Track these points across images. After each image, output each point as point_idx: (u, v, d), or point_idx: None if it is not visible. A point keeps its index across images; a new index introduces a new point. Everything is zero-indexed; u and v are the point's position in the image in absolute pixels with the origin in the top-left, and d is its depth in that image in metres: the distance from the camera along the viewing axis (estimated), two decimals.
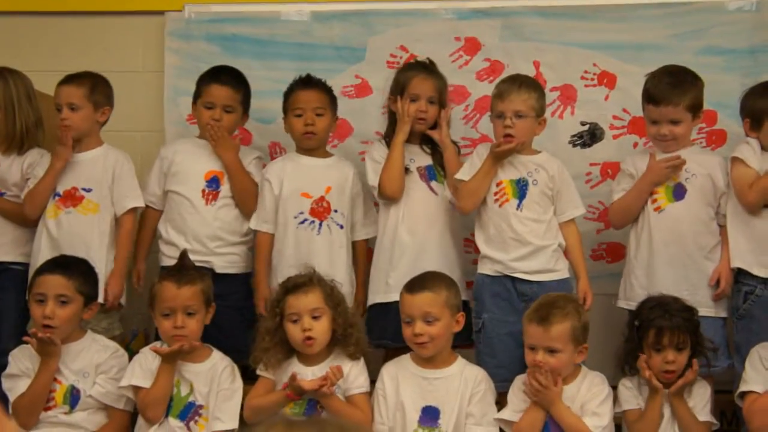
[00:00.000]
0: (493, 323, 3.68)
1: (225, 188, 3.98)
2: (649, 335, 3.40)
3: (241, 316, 3.88)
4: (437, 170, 3.90)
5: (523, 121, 3.70)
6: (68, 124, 3.91)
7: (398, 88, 3.88)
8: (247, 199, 3.97)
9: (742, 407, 3.42)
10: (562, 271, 3.71)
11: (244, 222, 3.99)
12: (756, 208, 3.65)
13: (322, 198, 3.90)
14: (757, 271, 3.65)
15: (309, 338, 3.39)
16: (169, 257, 3.90)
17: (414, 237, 3.82)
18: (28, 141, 4.00)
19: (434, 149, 3.92)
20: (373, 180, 3.85)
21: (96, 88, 3.96)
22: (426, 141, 3.93)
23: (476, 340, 3.74)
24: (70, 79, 3.96)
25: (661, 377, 3.37)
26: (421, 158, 3.91)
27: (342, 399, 3.40)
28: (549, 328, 3.30)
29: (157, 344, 3.51)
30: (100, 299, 3.75)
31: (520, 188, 3.73)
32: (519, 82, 3.75)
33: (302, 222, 3.89)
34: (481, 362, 3.64)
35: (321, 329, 3.41)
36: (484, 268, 3.75)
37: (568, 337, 3.31)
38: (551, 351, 3.31)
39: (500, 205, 3.73)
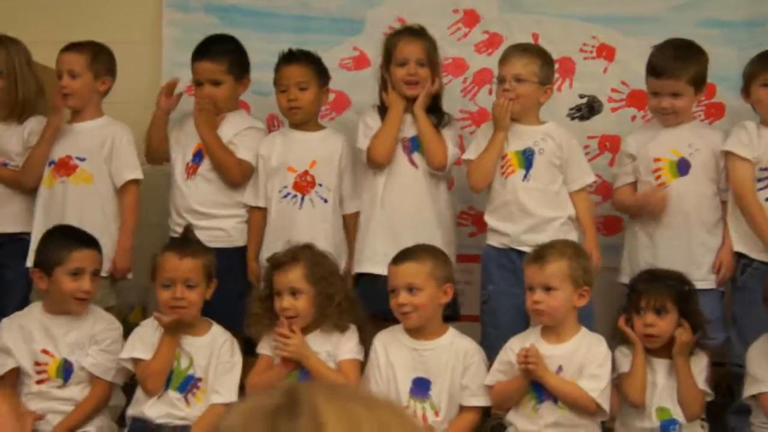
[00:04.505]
0: (499, 295, 3.71)
1: (206, 162, 3.98)
2: (632, 299, 3.45)
3: (230, 286, 3.77)
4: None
5: (523, 85, 3.70)
6: (67, 91, 3.92)
7: (386, 55, 3.88)
8: (224, 172, 3.96)
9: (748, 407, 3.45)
10: None
11: (223, 195, 3.98)
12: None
13: (306, 172, 3.91)
14: (755, 256, 3.69)
15: (289, 317, 3.43)
16: (174, 231, 3.98)
17: (388, 209, 3.83)
18: (28, 109, 4.00)
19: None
20: (362, 143, 3.86)
21: (97, 57, 3.96)
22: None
23: (481, 311, 3.77)
24: (72, 47, 3.97)
25: (644, 341, 3.39)
26: (409, 129, 3.89)
27: (331, 366, 3.43)
28: (544, 265, 3.32)
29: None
30: (104, 272, 3.75)
31: (526, 158, 3.74)
32: (523, 47, 3.80)
33: (285, 196, 3.91)
34: (484, 334, 3.67)
35: (300, 306, 3.44)
36: (492, 240, 3.78)
37: (565, 275, 3.31)
38: (548, 289, 3.32)
39: (506, 177, 3.74)
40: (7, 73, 3.96)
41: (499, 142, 3.74)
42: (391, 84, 3.86)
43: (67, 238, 3.60)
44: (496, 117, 3.73)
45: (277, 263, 3.50)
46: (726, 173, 3.74)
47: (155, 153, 4.08)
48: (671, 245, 3.72)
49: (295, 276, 3.46)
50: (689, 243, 3.73)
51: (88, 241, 3.58)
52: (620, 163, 3.88)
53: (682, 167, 3.74)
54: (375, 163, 3.84)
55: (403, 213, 3.84)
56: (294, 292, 3.45)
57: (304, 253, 3.50)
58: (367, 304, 3.61)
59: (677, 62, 3.68)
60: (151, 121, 4.06)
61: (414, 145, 3.88)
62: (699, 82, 3.73)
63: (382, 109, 3.90)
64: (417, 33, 3.91)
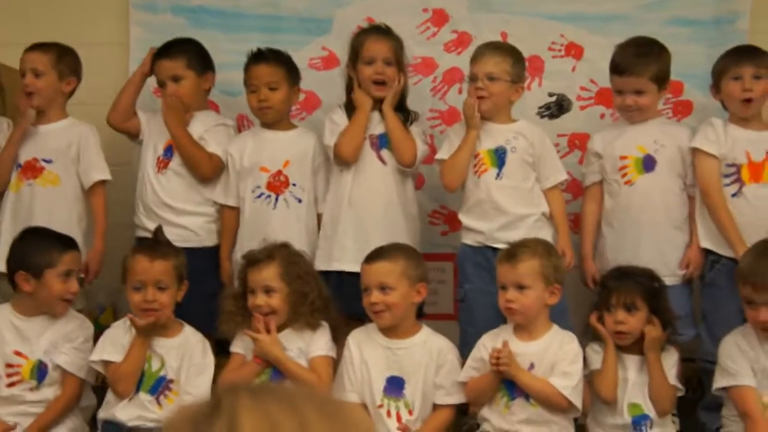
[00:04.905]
0: (475, 293, 3.71)
1: (177, 157, 3.97)
2: (602, 296, 3.48)
3: (201, 287, 3.70)
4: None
5: (495, 84, 3.72)
6: (31, 89, 3.89)
7: (353, 53, 3.88)
8: (195, 167, 3.95)
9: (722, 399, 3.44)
10: None
11: (194, 192, 3.97)
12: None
13: (279, 172, 3.90)
14: (723, 252, 3.71)
15: (264, 314, 3.43)
16: (140, 228, 3.96)
17: (355, 207, 3.83)
18: None
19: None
20: (329, 140, 3.85)
21: (62, 57, 3.94)
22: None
23: (458, 309, 3.78)
24: (36, 47, 3.95)
25: (614, 338, 3.42)
26: (376, 126, 3.89)
27: (302, 364, 3.43)
28: (516, 264, 3.33)
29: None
30: None
31: (499, 157, 3.75)
32: (494, 46, 3.82)
33: (259, 196, 3.90)
34: (461, 332, 3.68)
35: (274, 304, 3.44)
36: (467, 239, 3.79)
37: (537, 274, 3.33)
38: (520, 287, 3.33)
39: (479, 176, 3.75)
40: None
41: (472, 141, 3.74)
42: (358, 82, 3.86)
43: (55, 240, 3.58)
44: (467, 116, 3.75)
45: (253, 260, 3.49)
46: (693, 170, 3.76)
47: (119, 114, 4.03)
48: (639, 242, 3.74)
49: (269, 274, 3.45)
50: (657, 239, 3.75)
51: (72, 243, 3.59)
52: (587, 162, 3.91)
53: (648, 164, 3.77)
54: (342, 159, 3.83)
55: (371, 210, 3.83)
56: (268, 290, 3.45)
57: (280, 252, 3.50)
58: (337, 303, 3.59)
59: (639, 59, 3.72)
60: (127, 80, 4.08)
61: (382, 141, 3.87)
62: (662, 79, 3.76)
63: (349, 107, 3.90)
64: (384, 32, 3.91)
